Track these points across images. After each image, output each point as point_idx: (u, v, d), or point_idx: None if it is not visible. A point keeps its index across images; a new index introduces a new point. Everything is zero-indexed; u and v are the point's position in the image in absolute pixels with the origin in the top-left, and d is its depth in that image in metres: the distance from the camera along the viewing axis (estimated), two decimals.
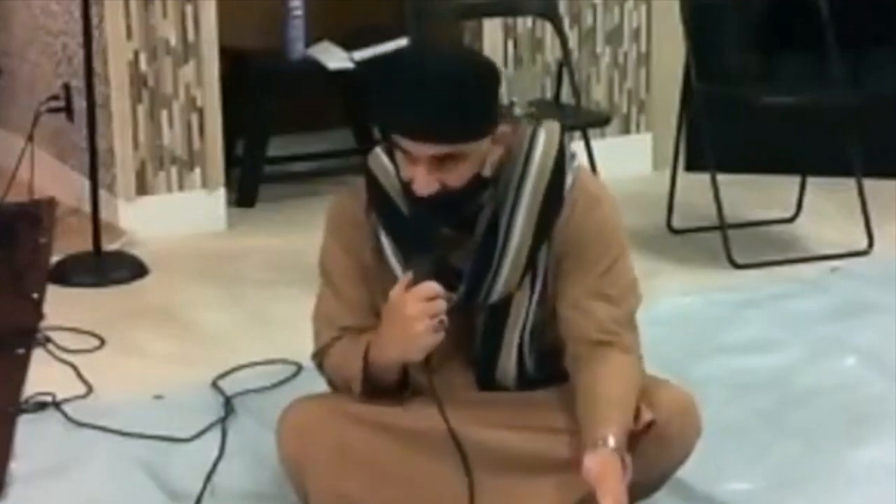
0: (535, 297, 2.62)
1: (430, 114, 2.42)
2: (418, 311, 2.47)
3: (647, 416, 2.56)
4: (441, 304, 2.49)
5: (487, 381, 2.68)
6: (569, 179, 2.59)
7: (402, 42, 4.94)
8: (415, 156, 2.45)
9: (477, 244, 2.58)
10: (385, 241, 2.63)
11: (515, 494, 2.59)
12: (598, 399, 2.53)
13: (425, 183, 2.46)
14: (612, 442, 2.46)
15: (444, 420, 2.53)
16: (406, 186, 2.51)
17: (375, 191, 2.63)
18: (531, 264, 2.60)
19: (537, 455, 2.59)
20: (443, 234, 2.56)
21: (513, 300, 2.62)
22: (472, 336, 2.64)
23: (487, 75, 2.50)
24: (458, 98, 2.43)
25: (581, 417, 2.54)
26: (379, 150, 2.65)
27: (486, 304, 2.62)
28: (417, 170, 2.46)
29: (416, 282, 2.49)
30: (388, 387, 2.63)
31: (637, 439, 2.55)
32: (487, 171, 2.52)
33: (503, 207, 2.57)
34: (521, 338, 2.64)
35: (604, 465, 2.44)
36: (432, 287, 2.48)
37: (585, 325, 2.60)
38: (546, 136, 2.60)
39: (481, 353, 2.67)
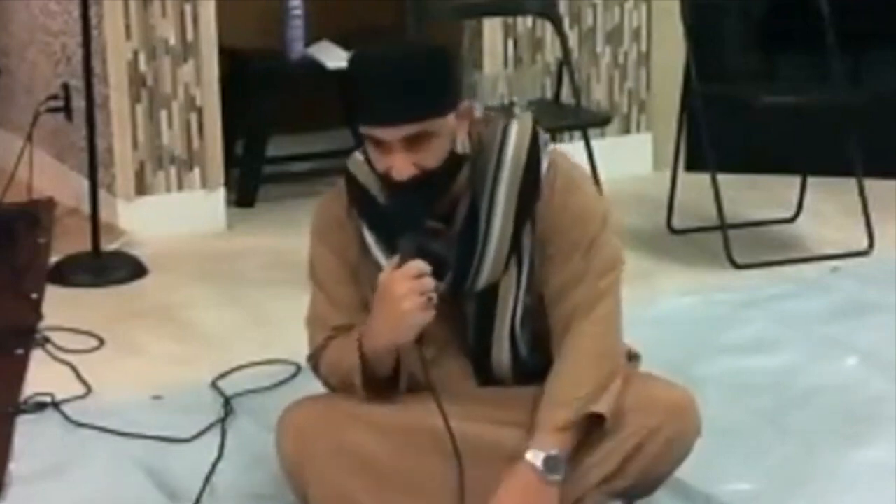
0: (523, 282, 2.65)
1: (392, 95, 2.49)
2: (407, 288, 2.50)
3: (599, 407, 2.57)
4: (429, 282, 2.51)
5: (483, 370, 2.71)
6: (544, 163, 2.64)
7: None
8: (388, 143, 2.50)
9: (459, 232, 2.61)
10: (368, 237, 2.66)
11: None
12: (545, 398, 2.59)
13: (403, 166, 2.51)
14: (531, 457, 2.54)
15: (441, 414, 2.54)
16: (384, 178, 2.55)
17: (356, 189, 2.68)
18: (515, 249, 2.63)
19: None
20: (424, 220, 2.58)
21: (500, 287, 2.65)
22: (465, 326, 2.67)
23: (437, 55, 2.58)
24: (414, 76, 2.50)
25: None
26: (357, 154, 2.70)
27: (473, 291, 2.64)
28: (393, 156, 2.51)
29: (402, 263, 2.52)
30: (386, 377, 2.64)
31: (589, 430, 2.59)
32: (460, 148, 2.57)
33: (482, 195, 2.61)
34: (513, 324, 2.67)
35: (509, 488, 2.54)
36: (419, 265, 2.52)
37: (563, 310, 2.63)
38: (519, 126, 2.65)
39: (474, 343, 2.69)
